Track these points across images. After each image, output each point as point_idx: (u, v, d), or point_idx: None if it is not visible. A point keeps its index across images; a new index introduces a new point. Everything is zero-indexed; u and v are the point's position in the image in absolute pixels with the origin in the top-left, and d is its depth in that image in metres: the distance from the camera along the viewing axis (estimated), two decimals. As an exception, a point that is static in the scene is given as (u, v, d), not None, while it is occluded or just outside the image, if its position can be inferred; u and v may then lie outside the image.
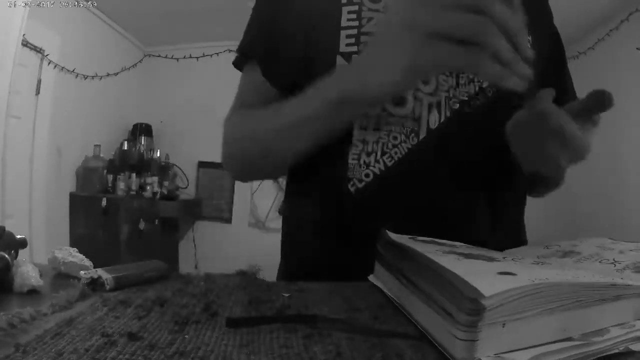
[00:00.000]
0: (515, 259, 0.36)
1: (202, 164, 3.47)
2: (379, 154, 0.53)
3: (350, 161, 0.53)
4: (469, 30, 0.33)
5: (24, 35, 2.13)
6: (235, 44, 0.65)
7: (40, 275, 0.41)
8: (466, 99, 0.54)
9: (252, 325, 0.31)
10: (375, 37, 0.43)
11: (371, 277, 0.44)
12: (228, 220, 3.49)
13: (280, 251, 0.64)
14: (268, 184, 3.04)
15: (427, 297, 0.30)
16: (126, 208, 2.74)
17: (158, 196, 3.06)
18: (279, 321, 0.32)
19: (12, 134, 2.14)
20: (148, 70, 3.55)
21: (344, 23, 0.54)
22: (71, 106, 2.71)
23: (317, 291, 0.41)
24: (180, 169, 3.44)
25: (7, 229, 0.47)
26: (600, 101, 0.42)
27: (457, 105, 0.53)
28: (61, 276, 0.46)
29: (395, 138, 0.53)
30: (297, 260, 0.61)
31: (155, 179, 3.10)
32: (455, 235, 0.45)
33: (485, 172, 0.54)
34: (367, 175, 0.53)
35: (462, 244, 0.44)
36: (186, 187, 3.47)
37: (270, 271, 0.62)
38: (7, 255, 0.40)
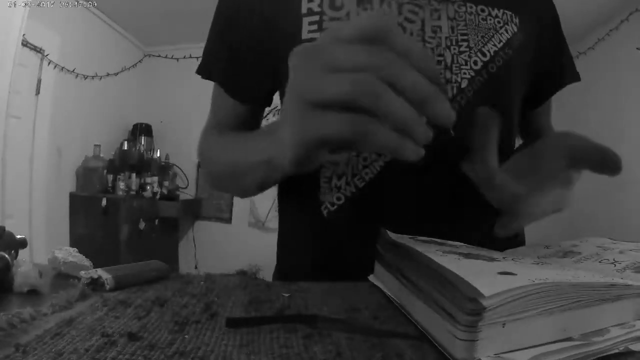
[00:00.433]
0: (515, 259, 0.36)
1: (202, 164, 3.46)
2: (349, 176, 0.51)
3: (321, 184, 0.52)
4: (350, 94, 0.27)
5: (24, 35, 2.14)
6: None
7: (40, 275, 0.41)
8: None
9: (252, 325, 0.31)
10: (282, 110, 0.39)
11: (371, 277, 0.44)
12: (228, 220, 3.49)
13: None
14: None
15: (427, 297, 0.30)
16: (126, 208, 2.74)
17: (158, 196, 3.06)
18: (279, 321, 0.32)
19: (12, 134, 2.14)
20: (148, 70, 3.55)
21: (304, 35, 0.51)
22: (71, 106, 2.71)
23: (317, 291, 0.41)
24: (180, 169, 3.44)
25: (7, 229, 0.47)
26: (609, 164, 0.39)
27: None
28: (61, 276, 0.46)
29: (364, 159, 0.51)
30: (289, 267, 0.61)
31: (155, 179, 3.10)
32: None
33: (466, 179, 0.53)
34: (338, 199, 0.52)
35: (462, 244, 0.44)
36: (186, 187, 3.47)
37: (270, 271, 0.62)
38: (7, 255, 0.40)
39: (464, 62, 0.51)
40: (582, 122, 2.64)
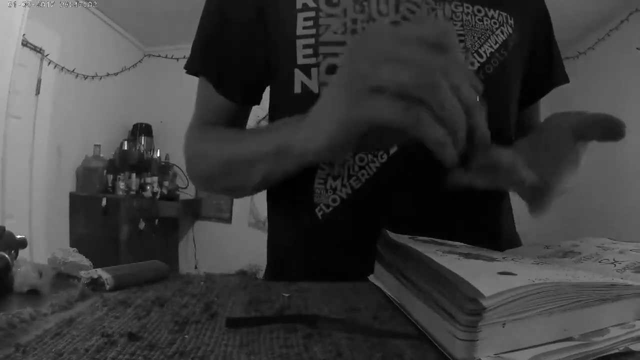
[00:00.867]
0: (515, 259, 0.36)
1: (202, 164, 3.46)
2: (345, 177, 0.50)
3: (316, 186, 0.51)
4: (412, 81, 0.29)
5: (24, 35, 2.14)
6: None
7: (40, 275, 0.41)
8: None
9: (252, 325, 0.31)
10: (322, 93, 0.40)
11: (371, 277, 0.44)
12: (228, 220, 3.49)
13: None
14: (268, 184, 3.03)
15: (427, 297, 0.30)
16: (126, 208, 2.74)
17: (158, 196, 3.06)
18: (279, 321, 0.32)
19: (12, 134, 2.14)
20: (148, 70, 3.55)
21: (299, 32, 0.50)
22: (71, 106, 2.71)
23: (317, 291, 0.41)
24: (180, 169, 3.44)
25: (7, 229, 0.47)
26: (614, 130, 0.40)
27: None
28: (61, 276, 0.46)
29: (361, 160, 0.50)
30: (281, 270, 0.59)
31: (155, 179, 3.10)
32: None
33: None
34: (334, 201, 0.51)
35: (462, 244, 0.44)
36: (186, 187, 3.47)
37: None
38: (7, 255, 0.40)
39: None
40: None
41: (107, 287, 0.39)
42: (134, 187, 2.94)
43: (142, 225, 2.84)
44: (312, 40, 0.50)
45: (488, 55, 0.53)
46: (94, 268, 0.43)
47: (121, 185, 2.86)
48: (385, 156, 0.50)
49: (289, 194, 0.55)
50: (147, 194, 2.99)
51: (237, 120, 0.61)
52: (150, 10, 2.89)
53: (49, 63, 2.51)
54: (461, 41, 0.52)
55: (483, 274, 0.29)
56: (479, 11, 0.53)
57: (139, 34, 3.36)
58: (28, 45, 2.30)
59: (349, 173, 0.50)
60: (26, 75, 2.35)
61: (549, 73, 0.64)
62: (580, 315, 0.27)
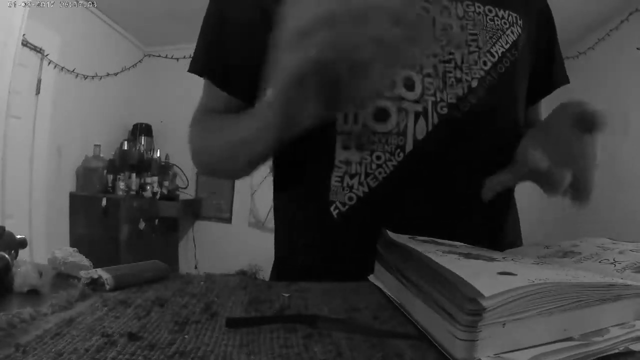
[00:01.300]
0: (515, 259, 0.36)
1: (202, 164, 3.46)
2: (362, 176, 0.50)
3: (333, 183, 0.51)
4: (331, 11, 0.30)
5: (24, 35, 2.13)
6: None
7: (40, 275, 0.41)
8: (454, 102, 0.51)
9: (252, 325, 0.31)
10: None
11: (371, 277, 0.44)
12: (228, 220, 3.48)
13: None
14: (268, 184, 3.04)
15: (427, 297, 0.30)
16: (126, 208, 2.73)
17: (158, 196, 3.06)
18: (279, 321, 0.32)
19: (12, 134, 2.13)
20: (148, 70, 3.55)
21: None
22: (71, 106, 2.71)
23: (317, 291, 0.41)
24: (180, 169, 3.44)
25: (7, 229, 0.47)
26: (592, 123, 0.43)
27: (446, 109, 0.50)
28: (61, 276, 0.46)
29: (378, 158, 0.50)
30: (292, 267, 0.59)
31: (155, 179, 3.10)
32: None
33: (477, 178, 0.53)
34: (350, 199, 0.51)
35: (462, 244, 0.44)
36: (186, 187, 3.47)
37: (270, 271, 0.62)
38: (7, 255, 0.40)
39: (473, 62, 0.52)
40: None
41: (107, 287, 0.39)
42: (134, 187, 2.94)
43: (142, 225, 2.84)
44: None
45: (500, 55, 0.53)
46: (94, 268, 0.43)
47: (121, 185, 2.86)
48: (401, 154, 0.50)
49: (303, 191, 0.55)
50: (147, 194, 2.99)
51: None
52: (150, 10, 2.89)
53: (49, 63, 2.51)
54: (473, 40, 0.52)
55: (483, 274, 0.29)
56: (490, 11, 0.54)
57: (139, 34, 3.36)
58: (28, 45, 2.30)
59: (366, 171, 0.50)
60: (26, 75, 2.35)
61: (550, 73, 0.64)
62: (580, 315, 0.27)
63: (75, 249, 0.49)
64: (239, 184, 3.29)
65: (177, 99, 3.42)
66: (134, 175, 2.96)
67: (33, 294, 0.39)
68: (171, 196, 3.21)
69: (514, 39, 0.55)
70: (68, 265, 0.46)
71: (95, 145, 2.86)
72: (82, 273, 0.40)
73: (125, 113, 3.31)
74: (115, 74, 3.17)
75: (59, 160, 2.65)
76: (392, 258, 0.40)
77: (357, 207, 0.51)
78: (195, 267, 3.36)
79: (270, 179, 0.65)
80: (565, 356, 0.25)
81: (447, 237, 0.46)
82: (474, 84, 0.52)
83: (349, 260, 0.51)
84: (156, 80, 3.53)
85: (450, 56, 0.51)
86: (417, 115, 0.50)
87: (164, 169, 3.28)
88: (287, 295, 0.40)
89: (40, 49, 2.43)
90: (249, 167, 0.54)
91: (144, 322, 0.31)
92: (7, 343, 0.26)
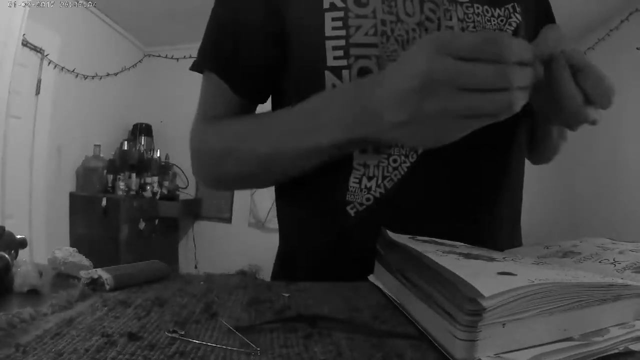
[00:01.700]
0: (515, 259, 0.36)
1: (202, 164, 3.46)
2: (380, 178, 0.51)
3: (351, 184, 0.52)
4: (492, 79, 0.34)
5: (24, 35, 2.13)
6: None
7: (40, 275, 0.41)
8: None
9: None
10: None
11: (371, 277, 0.44)
12: (228, 220, 3.48)
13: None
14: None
15: (427, 297, 0.30)
16: (126, 208, 2.74)
17: (158, 196, 3.06)
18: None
19: (12, 134, 2.13)
20: (148, 70, 3.55)
21: (328, 32, 0.49)
22: (71, 106, 2.71)
23: (317, 291, 0.41)
24: (180, 169, 3.44)
25: (7, 229, 0.47)
26: (606, 101, 0.40)
27: None
28: (61, 276, 0.46)
29: (395, 161, 0.51)
30: (299, 268, 0.59)
31: (155, 179, 3.10)
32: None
33: (485, 177, 0.54)
34: (368, 200, 0.51)
35: (462, 244, 0.44)
36: (186, 187, 3.47)
37: (270, 271, 0.62)
38: (7, 255, 0.40)
39: None
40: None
41: (107, 287, 0.39)
42: (134, 187, 2.94)
43: (142, 225, 2.84)
44: (342, 42, 0.49)
45: None
46: (94, 268, 0.43)
47: (121, 185, 2.86)
48: (414, 156, 0.50)
49: (319, 191, 0.55)
50: (147, 194, 2.99)
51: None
52: (150, 10, 2.89)
53: (49, 63, 2.51)
54: None
55: (483, 274, 0.29)
56: (487, 12, 0.54)
57: (139, 34, 3.36)
58: (28, 45, 2.30)
59: (383, 174, 0.51)
60: (26, 75, 2.35)
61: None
62: (580, 315, 0.27)
63: (75, 249, 0.49)
64: (239, 184, 3.29)
65: (177, 99, 3.43)
66: (134, 175, 2.96)
67: (33, 294, 0.39)
68: (171, 196, 3.22)
69: (512, 29, 0.55)
70: (68, 265, 0.46)
71: (95, 145, 2.86)
72: (82, 273, 0.40)
73: (125, 113, 3.31)
74: (115, 74, 3.17)
75: (59, 160, 2.65)
76: (392, 258, 0.40)
77: (373, 207, 0.51)
78: (195, 267, 3.36)
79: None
80: (565, 356, 0.25)
81: (460, 234, 0.47)
82: None
83: (362, 259, 0.50)
84: (156, 80, 3.53)
85: None
86: None
87: (164, 169, 3.28)
88: (287, 295, 0.40)
89: (40, 49, 2.43)
90: (300, 165, 0.51)
91: (144, 322, 0.31)
92: (7, 343, 0.26)
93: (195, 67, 0.59)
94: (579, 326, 0.27)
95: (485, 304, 0.24)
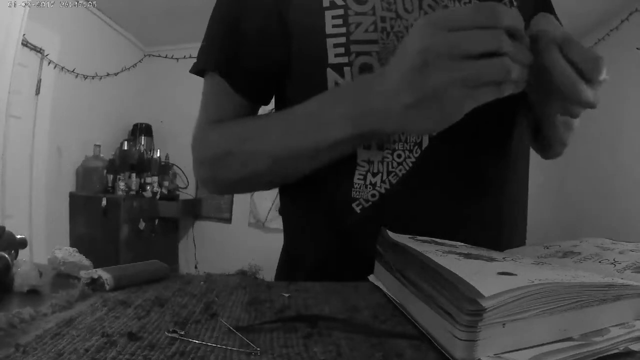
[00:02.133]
0: (515, 259, 0.36)
1: (202, 164, 3.46)
2: (384, 174, 0.51)
3: (355, 181, 0.52)
4: (490, 46, 0.35)
5: (24, 35, 2.14)
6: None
7: (40, 275, 0.41)
8: None
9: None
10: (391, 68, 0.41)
11: (371, 277, 0.44)
12: (228, 220, 3.49)
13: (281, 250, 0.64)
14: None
15: (427, 297, 0.30)
16: (126, 208, 2.74)
17: (158, 196, 3.06)
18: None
19: (12, 134, 2.14)
20: (148, 70, 3.55)
21: (329, 30, 0.49)
22: (71, 106, 2.71)
23: (317, 291, 0.41)
24: (180, 169, 3.44)
25: (7, 229, 0.47)
26: (596, 69, 0.39)
27: None
28: (61, 276, 0.46)
29: (399, 156, 0.51)
30: (304, 265, 0.58)
31: (155, 179, 3.10)
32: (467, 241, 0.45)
33: (487, 171, 0.54)
34: (373, 196, 0.51)
35: (462, 244, 0.44)
36: (186, 187, 3.47)
37: (270, 271, 0.62)
38: (7, 255, 0.40)
39: None
40: (582, 121, 2.63)
41: (107, 287, 0.39)
42: (134, 187, 2.94)
43: (142, 225, 2.84)
44: (343, 39, 0.49)
45: None
46: (94, 268, 0.43)
47: (121, 185, 2.86)
48: (419, 151, 0.51)
49: (324, 189, 0.54)
50: (147, 194, 2.99)
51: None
52: (150, 10, 2.89)
53: (49, 63, 2.51)
54: None
55: (483, 274, 0.29)
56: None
57: (139, 34, 3.36)
58: (28, 45, 2.30)
59: (388, 170, 0.51)
60: (26, 75, 2.35)
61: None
62: (580, 315, 0.27)
63: (75, 249, 0.49)
64: (239, 184, 3.29)
65: (177, 99, 3.43)
66: (134, 175, 2.96)
67: (33, 294, 0.39)
68: (171, 196, 3.22)
69: None
70: (68, 265, 0.46)
71: (95, 145, 2.86)
72: (82, 273, 0.40)
73: (125, 113, 3.31)
74: (115, 74, 3.17)
75: (59, 160, 2.66)
76: (392, 258, 0.40)
77: (378, 203, 0.51)
78: (195, 267, 3.37)
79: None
80: (565, 356, 0.25)
81: (464, 231, 0.47)
82: None
83: (368, 256, 0.50)
84: (156, 80, 3.53)
85: None
86: None
87: (164, 169, 3.28)
88: (287, 295, 0.40)
89: (40, 49, 2.43)
90: (304, 166, 0.51)
91: (144, 322, 0.31)
92: (7, 343, 0.26)
93: (196, 69, 0.59)
94: (579, 326, 0.27)
95: (485, 304, 0.24)
